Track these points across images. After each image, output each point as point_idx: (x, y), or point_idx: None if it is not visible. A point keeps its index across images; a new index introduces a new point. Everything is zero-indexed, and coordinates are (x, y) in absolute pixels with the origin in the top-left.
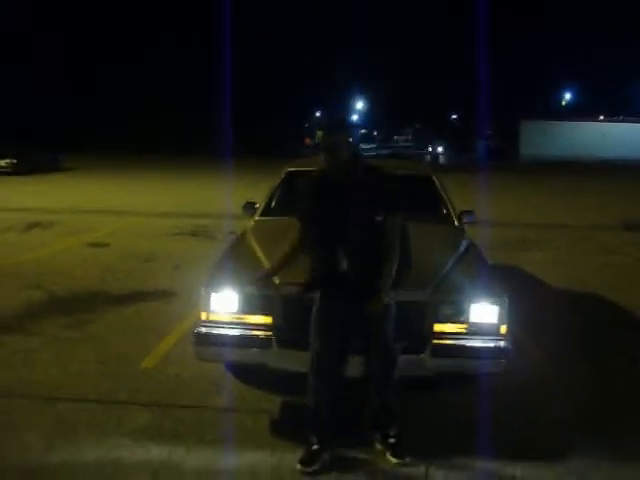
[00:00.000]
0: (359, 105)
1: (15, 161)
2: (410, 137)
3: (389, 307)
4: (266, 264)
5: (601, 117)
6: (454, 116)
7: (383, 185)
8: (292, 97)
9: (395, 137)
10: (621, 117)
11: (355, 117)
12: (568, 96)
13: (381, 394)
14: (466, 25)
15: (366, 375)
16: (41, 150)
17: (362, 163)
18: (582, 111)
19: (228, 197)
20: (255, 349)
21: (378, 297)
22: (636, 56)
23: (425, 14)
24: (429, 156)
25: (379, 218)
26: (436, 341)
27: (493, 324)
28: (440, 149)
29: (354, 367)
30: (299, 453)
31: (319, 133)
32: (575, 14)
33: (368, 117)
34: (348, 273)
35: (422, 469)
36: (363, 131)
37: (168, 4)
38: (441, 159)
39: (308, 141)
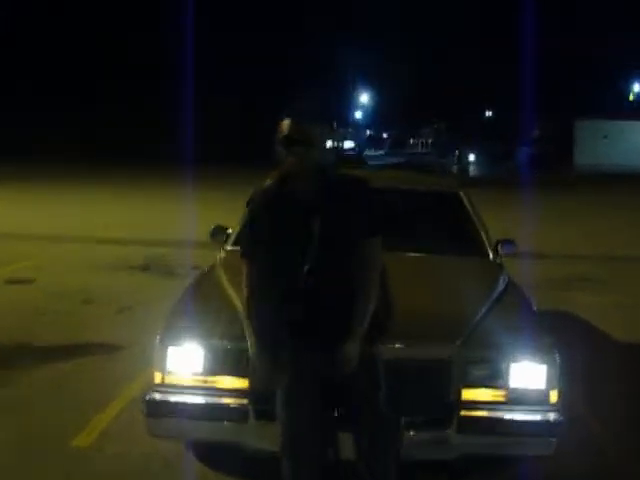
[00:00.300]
0: (363, 98)
1: None
2: (430, 141)
3: (373, 360)
4: (241, 308)
5: None
6: (488, 113)
7: (367, 197)
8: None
9: (411, 141)
10: None
11: (358, 114)
12: (638, 88)
13: None
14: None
15: (357, 456)
16: None
17: (339, 172)
18: None
19: (193, 219)
20: (226, 423)
21: (349, 343)
22: None
23: None
24: (455, 166)
25: (358, 240)
26: (464, 412)
27: (540, 390)
28: (472, 157)
29: (345, 446)
30: None
31: (285, 122)
32: None
33: (375, 114)
34: (313, 314)
35: None
36: (368, 133)
37: None
38: (471, 170)
39: None
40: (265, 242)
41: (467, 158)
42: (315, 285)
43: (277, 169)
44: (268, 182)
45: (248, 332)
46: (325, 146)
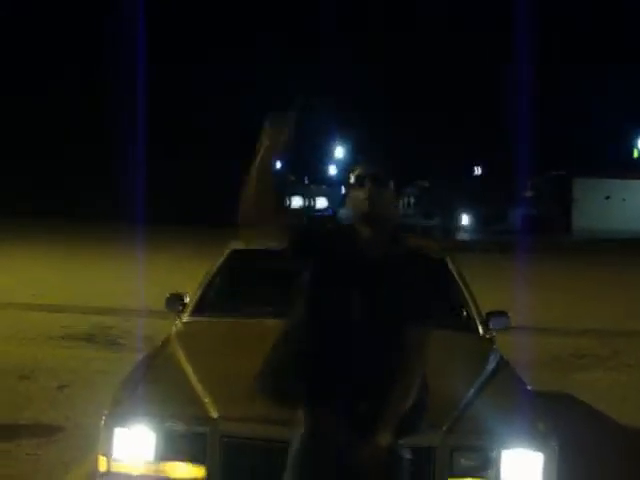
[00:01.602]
0: (338, 152)
1: None
2: (413, 201)
3: (400, 459)
4: (198, 387)
5: None
6: (477, 171)
7: (424, 280)
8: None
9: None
10: None
11: (332, 169)
12: None
13: None
14: (498, 39)
15: None
16: None
17: (402, 239)
18: None
19: (143, 284)
20: None
21: (379, 438)
22: None
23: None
24: (443, 229)
25: (410, 326)
26: None
27: None
28: (465, 219)
29: None
30: None
31: (356, 167)
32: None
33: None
34: (357, 395)
35: None
36: (344, 190)
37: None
38: (463, 233)
39: None
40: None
41: (457, 221)
42: (365, 365)
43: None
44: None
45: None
46: (395, 194)
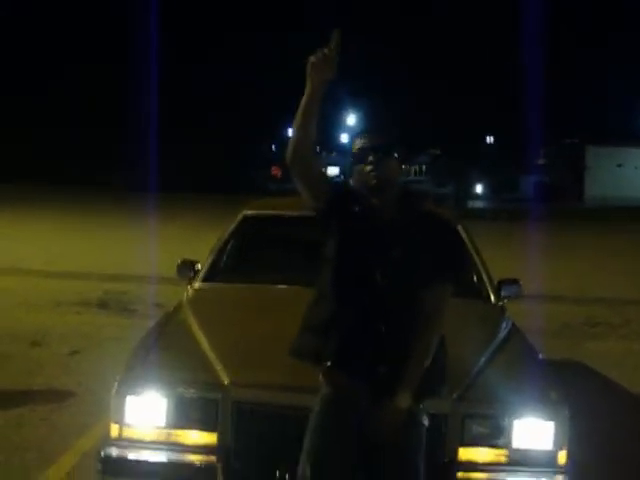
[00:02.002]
0: (350, 120)
1: None
2: (425, 168)
3: (419, 424)
4: (210, 354)
5: None
6: (489, 139)
7: (446, 237)
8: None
9: (403, 167)
10: None
11: (344, 137)
12: None
13: None
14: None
15: None
16: None
17: (416, 202)
18: None
19: (156, 251)
20: None
21: (398, 400)
22: None
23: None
24: (455, 196)
25: (441, 279)
26: (462, 475)
27: (547, 450)
28: (477, 188)
29: None
30: None
31: (357, 139)
32: None
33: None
34: (376, 358)
35: None
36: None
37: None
38: (474, 201)
39: (276, 171)
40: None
41: (469, 188)
42: (389, 321)
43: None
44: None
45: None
46: (401, 162)
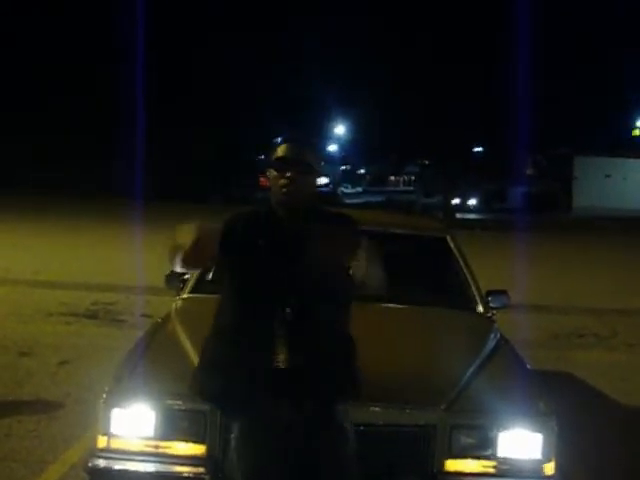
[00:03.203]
0: (339, 129)
1: None
2: (413, 178)
3: (342, 429)
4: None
5: None
6: (477, 149)
7: (357, 237)
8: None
9: (392, 177)
10: None
11: (333, 147)
12: None
13: None
14: (498, 23)
15: None
16: None
17: (326, 209)
18: None
19: (144, 261)
20: None
21: (336, 404)
22: None
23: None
24: (443, 207)
25: (344, 298)
26: None
27: (535, 461)
28: (465, 199)
29: None
30: None
31: (281, 146)
32: None
33: (352, 148)
34: (296, 367)
35: None
36: (344, 168)
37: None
38: (463, 212)
39: (265, 181)
40: (237, 269)
41: (457, 199)
42: (300, 330)
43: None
44: (241, 211)
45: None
46: (319, 176)
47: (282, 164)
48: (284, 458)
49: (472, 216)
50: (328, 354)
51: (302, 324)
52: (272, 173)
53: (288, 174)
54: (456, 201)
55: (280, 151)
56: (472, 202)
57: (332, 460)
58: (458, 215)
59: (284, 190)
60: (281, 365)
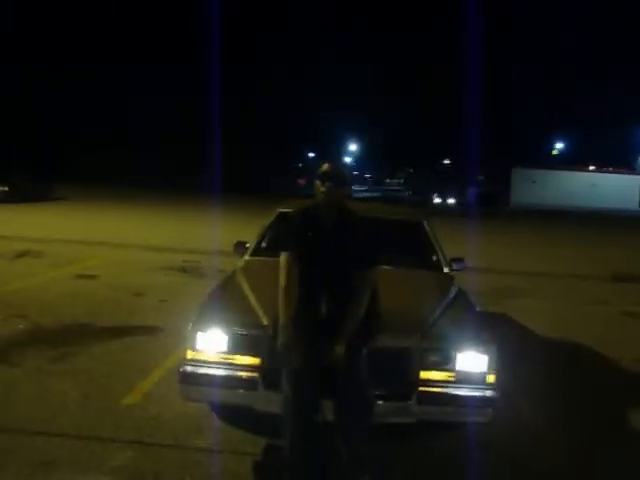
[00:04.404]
0: (352, 147)
1: (7, 189)
2: (402, 181)
3: (358, 351)
4: (255, 304)
5: (591, 167)
6: (446, 162)
7: (374, 235)
8: (282, 136)
9: (387, 180)
10: (610, 168)
11: (348, 159)
12: (559, 146)
13: (351, 441)
14: (459, 71)
15: (336, 421)
16: (33, 179)
17: (352, 209)
18: (573, 161)
19: (218, 234)
20: (241, 390)
21: (338, 345)
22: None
23: (415, 64)
24: (423, 201)
25: (363, 266)
26: (422, 388)
27: (481, 373)
28: (451, 200)
29: (326, 411)
30: None
31: (324, 164)
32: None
33: (361, 159)
34: (328, 319)
35: None
36: (355, 173)
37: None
38: (435, 205)
39: (302, 182)
40: (300, 253)
41: (431, 196)
42: (330, 294)
43: (300, 202)
44: (302, 205)
45: (281, 320)
46: (349, 188)
47: (323, 176)
48: (316, 369)
49: (442, 207)
50: (354, 309)
51: (338, 289)
52: (317, 183)
53: (327, 183)
54: (437, 200)
55: (323, 168)
56: (442, 198)
57: (347, 372)
58: (432, 206)
59: (323, 195)
60: (323, 316)
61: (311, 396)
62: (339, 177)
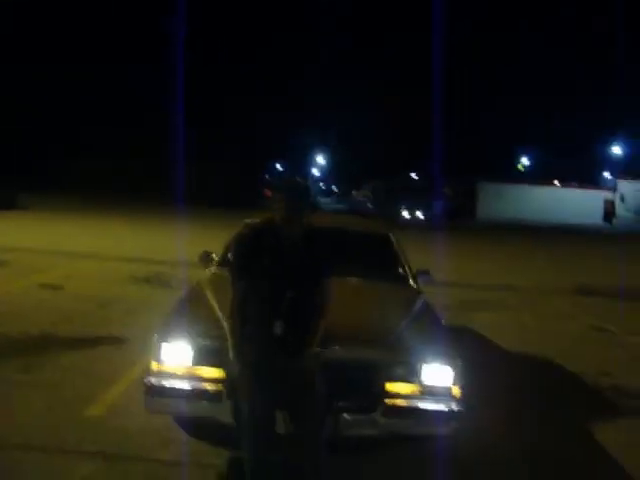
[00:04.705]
0: (319, 159)
1: None
2: (370, 194)
3: (313, 372)
4: (220, 316)
5: (556, 182)
6: (413, 175)
7: (328, 247)
8: (246, 144)
9: (353, 192)
10: (575, 183)
11: (315, 171)
12: (525, 160)
13: (308, 451)
14: (426, 85)
15: (292, 432)
16: None
17: (310, 222)
18: (538, 176)
19: (184, 245)
20: (206, 402)
21: (311, 352)
22: (589, 124)
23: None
24: (389, 214)
25: (320, 280)
26: (388, 401)
27: (446, 386)
28: (403, 209)
29: (284, 422)
30: None
31: (286, 179)
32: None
33: (328, 171)
34: (284, 334)
35: None
36: (321, 185)
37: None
38: (401, 217)
39: (268, 193)
40: (252, 269)
41: (397, 209)
42: (293, 309)
43: (266, 214)
44: (256, 222)
45: (230, 341)
46: (310, 202)
47: (283, 191)
48: (272, 385)
49: (408, 220)
50: (304, 323)
51: (294, 307)
52: (276, 196)
53: (284, 198)
54: (397, 210)
55: (285, 182)
56: (408, 211)
57: (305, 386)
58: (398, 219)
59: (283, 209)
60: (279, 332)
61: (268, 410)
62: (299, 190)
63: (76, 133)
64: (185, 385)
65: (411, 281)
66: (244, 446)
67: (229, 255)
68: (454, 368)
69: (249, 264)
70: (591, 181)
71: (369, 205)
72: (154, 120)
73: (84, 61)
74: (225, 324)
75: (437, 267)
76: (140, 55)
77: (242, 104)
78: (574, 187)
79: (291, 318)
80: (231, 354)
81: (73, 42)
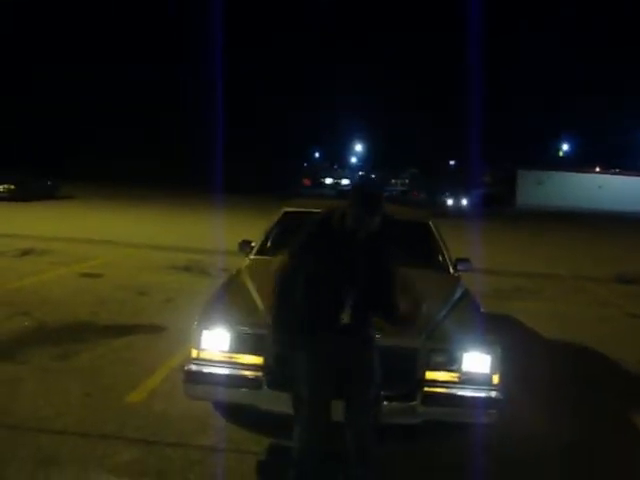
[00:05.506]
0: (358, 147)
1: (13, 187)
2: (407, 181)
3: (375, 351)
4: (259, 304)
5: (597, 169)
6: (451, 163)
7: (397, 238)
8: (287, 134)
9: (392, 180)
10: (617, 170)
11: (354, 159)
12: (565, 147)
13: (360, 442)
14: (464, 75)
15: (346, 422)
16: (39, 178)
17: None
18: (579, 162)
19: (223, 233)
20: (245, 389)
21: (374, 343)
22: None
23: (423, 67)
24: (428, 202)
25: (388, 270)
26: (427, 389)
27: (485, 374)
28: (464, 201)
29: (336, 412)
30: None
31: (368, 184)
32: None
33: (366, 159)
34: (350, 324)
35: None
36: (360, 173)
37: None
38: (441, 205)
39: (307, 182)
40: (318, 253)
41: (437, 196)
42: (360, 299)
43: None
44: (327, 213)
45: (273, 322)
46: (381, 212)
47: (362, 202)
48: (330, 374)
49: (448, 208)
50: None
51: (360, 297)
52: (356, 209)
53: (363, 215)
54: (437, 197)
55: (365, 189)
56: (447, 198)
57: (364, 376)
58: (438, 207)
59: (357, 222)
60: (346, 321)
61: (328, 397)
62: (370, 206)
63: (114, 133)
64: (225, 372)
65: (451, 269)
66: (296, 435)
67: (268, 243)
68: (494, 356)
69: (314, 247)
70: (634, 168)
71: (409, 193)
72: (195, 118)
73: (119, 61)
74: (267, 312)
75: (475, 255)
76: (182, 55)
77: (274, 104)
78: (616, 174)
79: (358, 308)
80: (275, 339)
81: (107, 42)
